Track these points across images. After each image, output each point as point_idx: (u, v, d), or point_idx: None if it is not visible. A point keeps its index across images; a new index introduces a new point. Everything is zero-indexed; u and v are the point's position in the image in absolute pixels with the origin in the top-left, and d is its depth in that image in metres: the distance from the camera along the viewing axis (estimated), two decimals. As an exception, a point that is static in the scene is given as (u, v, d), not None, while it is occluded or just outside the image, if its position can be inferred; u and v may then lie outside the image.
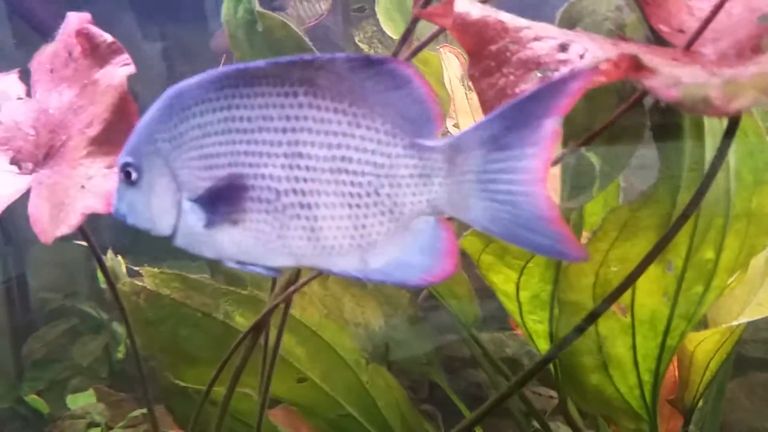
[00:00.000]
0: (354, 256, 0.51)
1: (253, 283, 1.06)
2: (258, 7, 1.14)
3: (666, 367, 0.88)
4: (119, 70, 0.75)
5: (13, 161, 0.79)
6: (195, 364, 0.97)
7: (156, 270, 0.98)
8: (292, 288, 0.81)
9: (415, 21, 0.69)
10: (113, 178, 0.70)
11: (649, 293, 0.81)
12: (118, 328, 1.48)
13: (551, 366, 0.97)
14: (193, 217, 0.52)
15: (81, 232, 0.89)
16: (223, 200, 0.51)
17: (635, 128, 0.63)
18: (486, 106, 0.56)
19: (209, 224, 0.52)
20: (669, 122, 0.66)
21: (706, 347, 1.03)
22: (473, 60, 0.57)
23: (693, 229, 0.77)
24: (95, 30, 0.76)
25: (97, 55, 0.77)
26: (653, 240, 0.70)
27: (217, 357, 0.91)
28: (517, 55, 0.57)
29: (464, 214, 0.49)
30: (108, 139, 0.72)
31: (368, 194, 0.50)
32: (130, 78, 0.75)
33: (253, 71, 0.49)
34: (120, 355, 1.51)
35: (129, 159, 0.53)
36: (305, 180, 0.50)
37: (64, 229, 0.67)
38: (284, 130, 0.49)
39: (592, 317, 0.74)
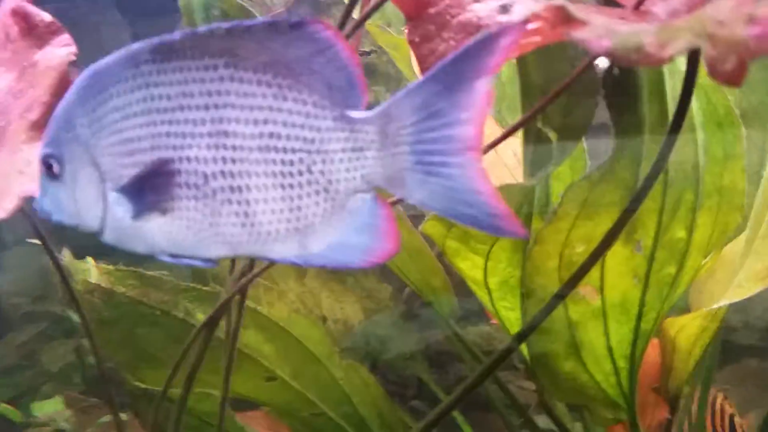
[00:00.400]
0: (292, 241, 0.48)
1: (216, 279, 1.03)
2: (215, -9, 1.11)
3: (642, 353, 0.85)
4: (59, 51, 0.72)
5: None
6: (155, 365, 0.93)
7: (111, 267, 0.94)
8: (244, 279, 0.77)
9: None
10: None
11: (619, 275, 0.77)
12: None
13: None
14: (120, 209, 0.48)
15: (34, 230, 0.86)
16: (148, 188, 0.47)
17: (589, 96, 0.60)
18: (426, 72, 0.52)
19: (137, 215, 0.48)
20: (624, 88, 0.62)
21: (688, 332, 0.99)
22: (413, 25, 0.54)
23: (661, 206, 0.74)
24: (32, 9, 0.73)
25: (36, 35, 0.74)
26: (617, 218, 0.66)
27: (177, 357, 0.87)
28: (457, 18, 0.54)
29: (400, 189, 0.46)
30: (48, 123, 0.69)
31: (300, 173, 0.47)
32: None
33: (170, 44, 0.46)
34: (92, 360, 1.47)
35: (49, 150, 0.49)
36: (233, 161, 0.46)
37: (1, 214, 0.64)
38: (207, 107, 0.46)
39: (557, 298, 0.70)
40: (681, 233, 0.77)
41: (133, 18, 1.77)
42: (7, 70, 0.74)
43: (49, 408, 1.18)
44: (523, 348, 0.90)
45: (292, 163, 0.46)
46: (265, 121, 0.46)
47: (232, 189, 0.46)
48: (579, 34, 0.39)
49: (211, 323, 0.81)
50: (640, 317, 0.81)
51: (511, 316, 0.93)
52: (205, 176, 0.46)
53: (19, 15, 0.72)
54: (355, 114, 0.46)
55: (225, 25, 0.45)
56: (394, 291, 1.45)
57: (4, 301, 1.59)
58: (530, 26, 0.45)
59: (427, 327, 1.43)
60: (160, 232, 0.48)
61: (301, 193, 0.47)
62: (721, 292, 1.00)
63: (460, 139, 0.44)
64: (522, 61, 0.72)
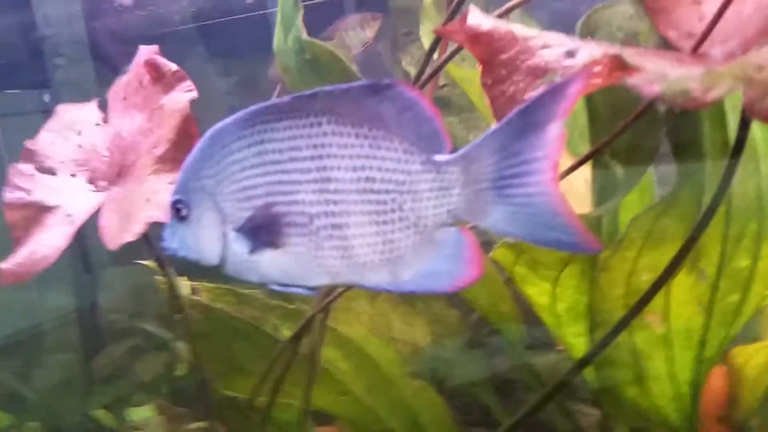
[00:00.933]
0: (385, 270, 0.54)
1: (300, 298, 1.11)
2: (305, 36, 1.21)
3: (704, 379, 0.87)
4: (183, 96, 0.83)
5: (90, 181, 0.87)
6: (245, 375, 1.01)
7: (211, 285, 1.04)
8: (328, 299, 0.85)
9: (437, 40, 0.73)
10: None
11: (683, 303, 0.80)
12: (181, 347, 1.55)
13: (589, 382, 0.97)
14: (238, 246, 0.57)
15: (156, 257, 0.96)
16: (262, 228, 0.56)
17: (654, 127, 0.65)
18: (498, 112, 0.59)
19: (252, 251, 0.56)
20: (686, 121, 0.67)
21: (756, 361, 1.00)
22: (485, 69, 0.61)
23: (724, 235, 0.77)
24: (162, 60, 0.85)
25: (164, 82, 0.85)
26: (679, 246, 0.70)
27: (265, 368, 0.96)
28: (526, 63, 0.60)
29: (483, 220, 0.52)
30: (172, 158, 0.80)
31: (393, 210, 0.54)
32: (198, 106, 0.83)
33: (280, 107, 0.55)
34: (179, 373, 1.58)
35: (179, 197, 0.58)
36: (335, 202, 0.54)
37: (129, 237, 0.74)
38: (312, 158, 0.54)
39: (622, 324, 0.74)
40: (745, 262, 0.79)
41: (223, 56, 1.91)
42: (139, 112, 0.86)
43: (143, 414, 1.28)
44: (589, 375, 0.93)
45: (385, 202, 0.53)
46: (362, 168, 0.54)
47: (333, 227, 0.54)
48: (632, 80, 0.44)
49: (296, 338, 0.88)
50: (703, 344, 0.83)
51: (578, 342, 0.97)
52: (311, 216, 0.54)
53: (151, 65, 0.84)
54: (440, 158, 0.53)
55: (327, 88, 0.54)
56: (462, 316, 1.49)
57: (104, 317, 1.73)
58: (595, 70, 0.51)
59: (494, 354, 1.47)
60: (272, 264, 0.56)
61: (393, 228, 0.54)
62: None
63: (538, 171, 0.50)
64: (591, 102, 0.77)
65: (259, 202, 0.56)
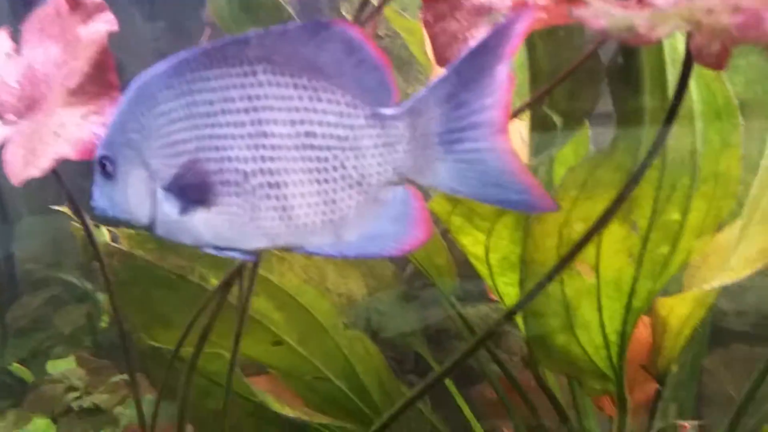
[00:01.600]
0: (327, 233, 0.51)
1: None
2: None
3: (632, 328, 0.89)
4: (101, 26, 0.76)
5: None
6: (169, 326, 0.98)
7: (131, 231, 0.98)
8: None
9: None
10: (86, 127, 0.71)
11: (614, 253, 0.81)
12: (103, 298, 1.49)
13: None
14: (168, 206, 0.52)
15: (69, 200, 0.89)
16: (193, 186, 0.51)
17: (593, 83, 0.63)
18: (438, 51, 0.56)
19: (183, 211, 0.52)
20: (627, 76, 0.66)
21: (679, 312, 1.03)
22: (427, 5, 0.57)
23: (657, 189, 0.77)
24: None
25: (82, 11, 0.78)
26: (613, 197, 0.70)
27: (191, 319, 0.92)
28: (470, 1, 0.57)
29: (431, 178, 0.49)
30: (84, 91, 0.74)
31: (335, 168, 0.50)
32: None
33: (211, 53, 0.50)
34: (103, 325, 1.52)
35: (104, 152, 0.54)
36: (272, 159, 0.50)
37: (34, 172, 0.68)
38: (246, 111, 0.50)
39: (554, 272, 0.74)
40: (675, 216, 0.81)
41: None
42: (55, 43, 0.79)
43: (62, 367, 1.23)
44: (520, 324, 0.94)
45: (326, 159, 0.50)
46: (302, 122, 0.49)
47: (270, 185, 0.50)
48: (578, 12, 0.42)
49: (225, 287, 0.85)
50: (632, 295, 0.85)
51: (510, 291, 0.97)
52: (245, 174, 0.50)
53: (68, -8, 0.76)
54: (385, 111, 0.49)
55: (261, 32, 0.49)
56: (397, 269, 1.49)
57: (19, 267, 1.64)
58: (535, 2, 0.48)
59: (428, 306, 1.48)
60: (205, 226, 0.52)
61: (335, 187, 0.50)
62: (714, 276, 1.04)
63: (487, 124, 0.47)
64: (532, 49, 0.75)
65: (188, 159, 0.51)
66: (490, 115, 0.46)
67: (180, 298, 0.98)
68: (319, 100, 0.49)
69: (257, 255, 0.54)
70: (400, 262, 1.50)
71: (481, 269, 0.95)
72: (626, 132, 0.69)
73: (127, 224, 0.55)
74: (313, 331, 1.10)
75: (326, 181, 0.50)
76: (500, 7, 0.57)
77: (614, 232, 0.79)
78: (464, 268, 1.10)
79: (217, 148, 0.50)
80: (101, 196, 0.55)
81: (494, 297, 1.18)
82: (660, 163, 0.75)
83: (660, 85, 0.69)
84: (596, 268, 0.82)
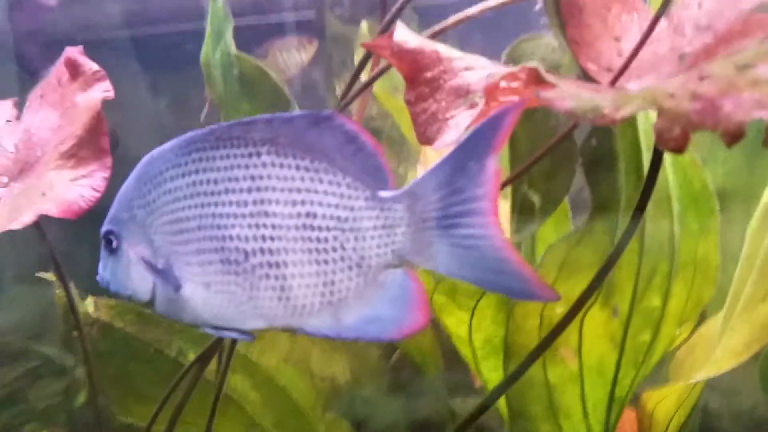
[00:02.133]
0: (326, 314, 0.51)
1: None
2: (234, 50, 1.19)
3: (616, 419, 0.87)
4: (97, 93, 0.79)
5: None
6: (143, 401, 0.95)
7: (113, 302, 0.98)
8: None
9: (365, 59, 0.73)
10: (74, 189, 0.73)
11: (596, 338, 0.80)
12: (81, 373, 1.45)
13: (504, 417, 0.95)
14: (168, 283, 0.53)
15: (54, 266, 0.89)
16: (194, 264, 0.52)
17: (569, 162, 0.65)
18: (419, 130, 0.58)
19: (182, 288, 0.53)
20: (601, 157, 0.68)
21: (666, 406, 1.01)
22: (409, 86, 0.60)
23: (637, 273, 0.78)
24: (83, 58, 0.81)
25: (82, 80, 0.81)
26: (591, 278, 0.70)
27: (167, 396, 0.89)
28: (449, 83, 0.60)
29: (429, 262, 0.50)
30: (76, 154, 0.75)
31: (334, 249, 0.51)
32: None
33: (217, 134, 0.51)
34: (80, 401, 1.47)
35: (109, 227, 0.55)
36: (272, 238, 0.51)
37: (15, 225, 0.69)
38: (249, 190, 0.51)
39: (534, 356, 0.73)
40: (656, 302, 0.80)
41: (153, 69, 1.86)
42: (53, 109, 0.82)
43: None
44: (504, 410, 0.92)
45: (326, 240, 0.50)
46: (303, 202, 0.51)
47: (270, 265, 0.51)
48: (546, 94, 0.44)
49: (202, 362, 0.83)
50: (615, 382, 0.83)
51: (494, 377, 0.95)
52: (246, 253, 0.51)
53: (71, 63, 0.80)
54: (384, 194, 0.51)
55: (267, 116, 0.51)
56: (382, 355, 1.46)
57: (-2, 337, 1.61)
58: (507, 84, 0.50)
59: (415, 396, 1.44)
60: (203, 304, 0.53)
61: (335, 268, 0.51)
62: (700, 368, 1.03)
63: (480, 212, 0.48)
64: (512, 132, 0.77)
65: (190, 236, 0.52)
66: (482, 204, 0.48)
67: (156, 372, 0.96)
68: (321, 181, 0.50)
69: (254, 336, 0.54)
70: (387, 346, 1.48)
71: (466, 353, 0.94)
72: (603, 212, 0.70)
73: (129, 299, 0.55)
74: (290, 414, 1.07)
75: (326, 262, 0.50)
76: (477, 89, 0.59)
77: (595, 317, 0.79)
78: (453, 356, 1.09)
79: (218, 227, 0.51)
80: (105, 270, 0.55)
81: (479, 382, 1.16)
82: (638, 247, 0.76)
83: (636, 170, 0.71)
84: (578, 353, 0.81)
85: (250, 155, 0.50)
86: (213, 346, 0.83)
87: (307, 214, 0.50)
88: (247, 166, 0.50)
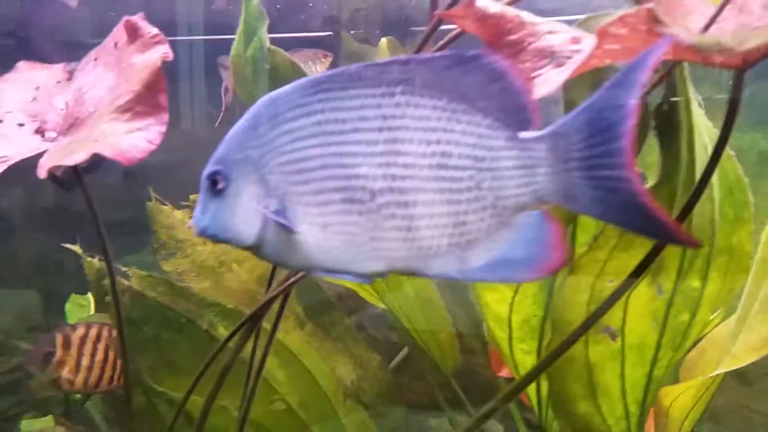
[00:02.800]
0: (452, 257, 0.50)
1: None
2: (268, 44, 1.20)
3: (652, 400, 0.88)
4: (156, 54, 0.79)
5: (39, 131, 0.81)
6: (175, 372, 0.93)
7: (143, 272, 0.96)
8: (291, 279, 0.80)
9: (436, 24, 0.74)
10: (128, 138, 0.72)
11: (640, 317, 0.82)
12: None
13: (536, 395, 0.96)
14: (281, 225, 0.51)
15: (96, 227, 0.87)
16: (312, 204, 0.51)
17: (642, 126, 0.67)
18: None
19: (297, 231, 0.51)
20: (671, 124, 0.70)
21: (682, 403, 1.03)
22: (491, 49, 0.61)
23: (683, 252, 0.80)
24: (142, 23, 0.81)
25: (140, 43, 0.81)
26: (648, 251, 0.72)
27: (198, 367, 0.88)
28: (533, 45, 0.62)
29: (571, 202, 0.49)
30: (132, 109, 0.75)
31: (469, 189, 0.49)
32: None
33: (348, 75, 0.50)
34: (77, 395, 1.44)
35: (217, 168, 0.53)
36: (403, 178, 0.49)
37: (67, 161, 0.68)
38: (380, 129, 0.49)
39: (582, 330, 0.75)
40: (696, 283, 0.83)
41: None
42: (108, 70, 0.82)
43: (39, 426, 1.14)
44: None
45: (461, 180, 0.49)
46: (438, 141, 0.49)
47: (397, 204, 0.49)
48: (670, 30, 0.46)
49: (253, 321, 0.82)
50: (654, 362, 0.85)
51: (526, 361, 0.96)
52: (372, 192, 0.49)
53: (130, 26, 0.80)
54: (526, 134, 0.49)
55: (402, 57, 0.50)
56: (383, 361, 1.46)
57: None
58: (615, 30, 0.52)
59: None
60: (317, 247, 0.51)
61: (467, 208, 0.49)
62: (713, 368, 1.06)
63: (623, 153, 0.47)
64: (569, 87, 0.79)
65: (311, 176, 0.50)
66: (622, 144, 0.46)
67: (188, 343, 0.94)
68: (458, 121, 0.49)
69: (371, 279, 0.51)
70: (390, 350, 1.48)
71: (500, 335, 0.95)
72: (667, 183, 0.72)
73: (229, 243, 0.53)
74: (313, 396, 1.06)
75: (458, 202, 0.49)
76: (562, 51, 0.61)
77: (641, 294, 0.81)
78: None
79: (344, 166, 0.50)
80: (205, 214, 0.53)
81: (501, 374, 1.17)
82: (686, 226, 0.78)
83: (689, 146, 0.74)
84: (621, 332, 0.83)
85: (383, 95, 0.49)
86: (265, 303, 0.82)
87: (442, 154, 0.49)
88: (379, 106, 0.49)
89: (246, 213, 0.52)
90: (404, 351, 1.47)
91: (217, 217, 0.53)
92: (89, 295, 1.48)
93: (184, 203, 1.17)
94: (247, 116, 0.53)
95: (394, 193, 0.49)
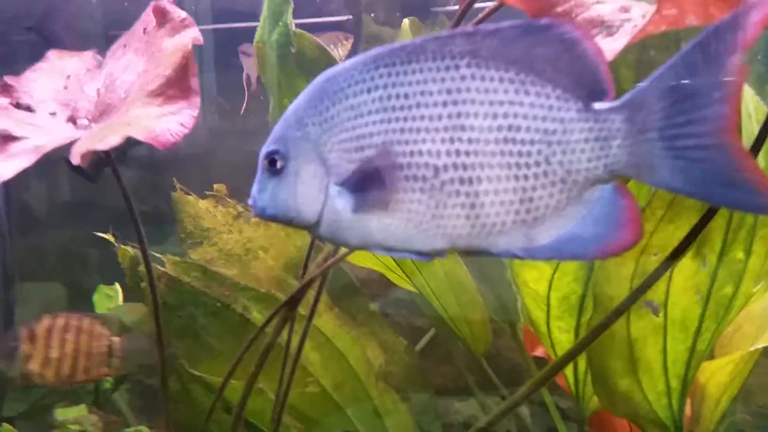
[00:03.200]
0: (518, 234, 0.48)
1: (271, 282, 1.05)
2: (294, 28, 1.19)
3: (693, 375, 0.87)
4: (186, 38, 0.78)
5: (72, 119, 0.81)
6: (212, 354, 0.93)
7: (177, 258, 0.96)
8: (332, 260, 0.79)
9: (471, 1, 0.73)
10: (161, 122, 0.72)
11: (684, 290, 0.81)
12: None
13: (573, 373, 0.95)
14: (341, 203, 0.50)
15: (131, 213, 0.87)
16: (375, 182, 0.49)
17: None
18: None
19: (358, 209, 0.50)
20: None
21: (718, 379, 1.02)
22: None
23: (728, 223, 0.79)
24: (171, 7, 0.80)
25: (169, 27, 0.80)
26: (694, 224, 0.71)
27: (234, 351, 0.88)
28: (581, 15, 0.60)
29: (648, 176, 0.46)
30: (164, 93, 0.74)
31: (537, 164, 0.47)
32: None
33: (410, 48, 0.49)
34: (108, 384, 1.44)
35: (275, 147, 0.51)
36: (467, 153, 0.48)
37: (100, 146, 0.67)
38: (445, 104, 0.48)
39: (627, 304, 0.74)
40: (740, 255, 0.81)
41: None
42: (138, 56, 0.81)
43: (74, 414, 1.14)
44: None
45: (529, 154, 0.47)
46: (505, 115, 0.47)
47: (462, 181, 0.48)
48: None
49: (290, 305, 0.82)
50: (697, 336, 0.84)
51: (564, 339, 0.96)
52: (436, 168, 0.48)
53: (159, 11, 0.79)
54: (599, 105, 0.47)
55: (467, 29, 0.49)
56: (408, 346, 1.45)
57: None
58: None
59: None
60: (378, 225, 0.50)
61: (535, 184, 0.47)
62: (748, 345, 1.04)
63: (715, 118, 0.44)
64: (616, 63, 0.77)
65: (373, 152, 0.49)
66: (718, 109, 0.43)
67: (224, 327, 0.94)
68: (527, 93, 0.47)
69: (432, 257, 0.50)
70: (414, 335, 1.47)
71: (537, 313, 0.94)
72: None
73: (290, 223, 0.52)
74: (347, 378, 1.06)
75: (525, 177, 0.47)
76: (612, 20, 0.60)
77: (685, 267, 0.79)
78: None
79: (407, 142, 0.48)
80: (263, 194, 0.52)
81: (536, 353, 1.16)
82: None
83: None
84: (664, 306, 0.82)
85: (447, 68, 0.48)
86: (304, 285, 0.82)
87: (509, 127, 0.47)
88: (443, 80, 0.48)
89: (306, 192, 0.51)
90: (429, 334, 1.46)
91: (276, 197, 0.51)
92: (116, 285, 1.48)
93: (209, 193, 1.17)
94: (305, 93, 0.51)
95: (458, 169, 0.48)
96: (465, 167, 0.48)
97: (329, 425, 1.04)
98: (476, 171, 0.48)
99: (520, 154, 0.47)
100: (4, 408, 1.39)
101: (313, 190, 0.51)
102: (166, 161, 1.72)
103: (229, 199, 1.15)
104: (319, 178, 0.50)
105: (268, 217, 0.52)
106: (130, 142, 1.20)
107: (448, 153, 0.48)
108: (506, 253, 0.48)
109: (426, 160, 0.48)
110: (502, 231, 0.48)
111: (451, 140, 0.48)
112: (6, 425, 1.34)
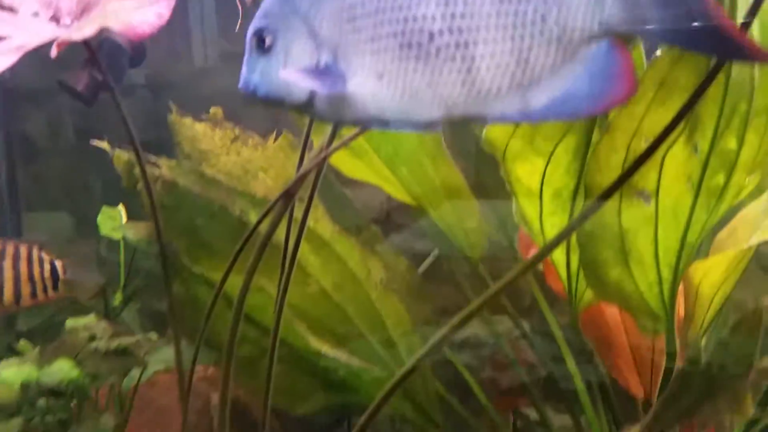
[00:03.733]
0: (514, 98, 0.48)
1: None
2: None
3: (685, 266, 0.89)
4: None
5: (54, 18, 0.81)
6: (212, 253, 0.95)
7: (172, 162, 0.97)
8: (331, 148, 0.80)
9: None
10: (138, 13, 0.72)
11: (675, 178, 0.81)
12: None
13: (565, 270, 0.97)
14: (334, 77, 0.49)
15: (123, 120, 0.87)
16: (367, 52, 0.48)
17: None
18: None
19: (351, 81, 0.49)
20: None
21: (712, 279, 1.03)
22: None
23: (720, 109, 0.78)
24: None
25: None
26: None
27: (232, 250, 0.89)
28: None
29: (641, 27, 0.46)
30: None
31: (533, 23, 0.46)
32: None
33: None
34: (116, 302, 1.49)
35: (262, 24, 0.50)
36: (462, 15, 0.47)
37: (76, 35, 0.69)
38: None
39: (617, 185, 0.74)
40: (732, 144, 0.81)
41: None
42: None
43: (83, 323, 1.18)
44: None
45: (525, 13, 0.46)
46: None
47: (457, 45, 0.47)
48: None
49: (286, 199, 0.83)
50: (688, 226, 0.85)
51: (554, 234, 0.96)
52: (431, 34, 0.47)
53: None
54: None
55: None
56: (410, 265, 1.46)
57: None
58: None
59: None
60: (372, 98, 0.49)
61: (531, 44, 0.46)
62: (744, 245, 1.05)
63: None
64: None
65: (365, 22, 0.47)
66: None
67: (222, 226, 0.96)
68: None
69: (428, 129, 0.50)
70: (414, 259, 1.48)
71: (530, 210, 0.94)
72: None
73: (280, 103, 0.51)
74: (346, 279, 1.08)
75: (522, 37, 0.46)
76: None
77: (677, 154, 0.79)
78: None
79: (400, 8, 0.47)
80: (253, 74, 0.51)
81: (528, 254, 1.17)
82: (724, 80, 0.76)
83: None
84: (656, 194, 0.82)
85: None
86: (300, 177, 0.83)
87: None
88: None
89: (298, 68, 0.50)
90: (431, 257, 1.48)
91: (267, 75, 0.50)
92: (120, 206, 1.50)
93: (205, 116, 1.16)
94: None
95: (454, 33, 0.47)
96: (461, 30, 0.47)
97: (332, 325, 1.07)
98: (472, 34, 0.46)
99: (515, 13, 0.46)
100: (17, 323, 1.44)
101: (304, 67, 0.49)
102: (165, 88, 1.71)
103: (226, 122, 1.15)
104: (309, 52, 0.49)
105: (260, 97, 0.51)
106: (124, 64, 1.19)
107: (443, 17, 0.47)
108: (502, 117, 0.48)
109: (420, 25, 0.47)
110: (498, 95, 0.48)
111: (446, 3, 0.47)
112: (23, 341, 1.38)
